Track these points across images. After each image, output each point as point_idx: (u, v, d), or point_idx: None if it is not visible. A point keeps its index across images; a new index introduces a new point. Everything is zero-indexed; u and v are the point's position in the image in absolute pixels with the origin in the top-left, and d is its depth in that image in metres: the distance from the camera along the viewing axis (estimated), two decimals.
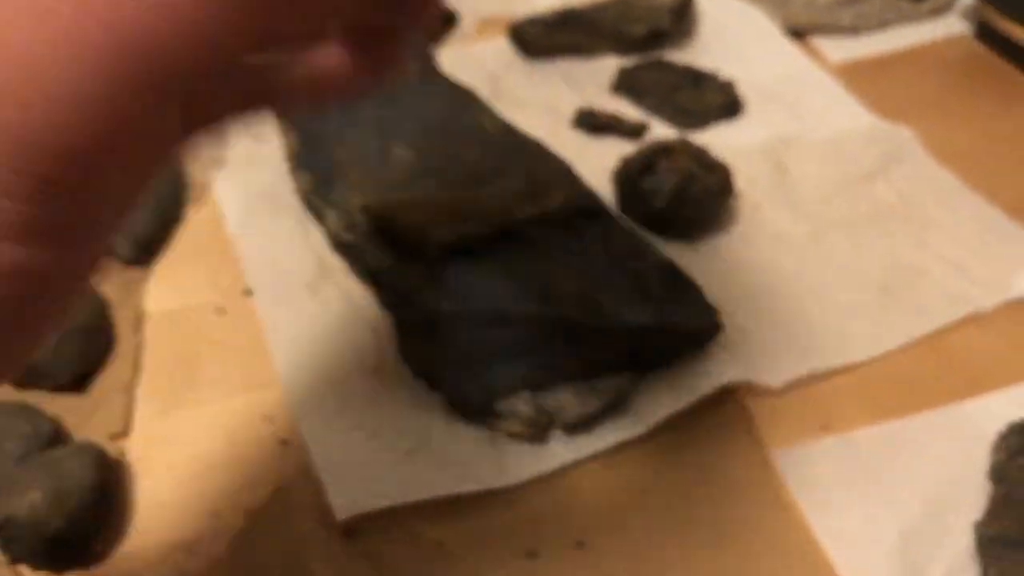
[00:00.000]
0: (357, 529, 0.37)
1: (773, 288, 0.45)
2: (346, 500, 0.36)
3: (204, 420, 0.42)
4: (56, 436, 0.40)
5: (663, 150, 0.47)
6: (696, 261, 0.46)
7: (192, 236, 0.50)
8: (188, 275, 0.48)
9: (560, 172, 0.46)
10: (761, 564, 0.36)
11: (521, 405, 0.39)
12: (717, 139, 0.52)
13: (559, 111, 0.55)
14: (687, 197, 0.46)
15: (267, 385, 0.43)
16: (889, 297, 0.44)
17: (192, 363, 0.44)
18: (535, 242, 0.42)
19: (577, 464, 0.39)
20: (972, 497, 0.36)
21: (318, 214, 0.47)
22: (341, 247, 0.45)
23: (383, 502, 0.36)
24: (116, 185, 0.22)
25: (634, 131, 0.54)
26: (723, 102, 0.55)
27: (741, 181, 0.49)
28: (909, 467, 0.38)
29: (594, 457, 0.39)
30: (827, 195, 0.50)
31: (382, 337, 0.43)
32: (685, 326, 0.40)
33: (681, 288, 0.42)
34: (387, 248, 0.42)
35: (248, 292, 0.47)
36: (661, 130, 0.54)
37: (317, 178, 0.47)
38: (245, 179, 0.53)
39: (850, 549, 0.35)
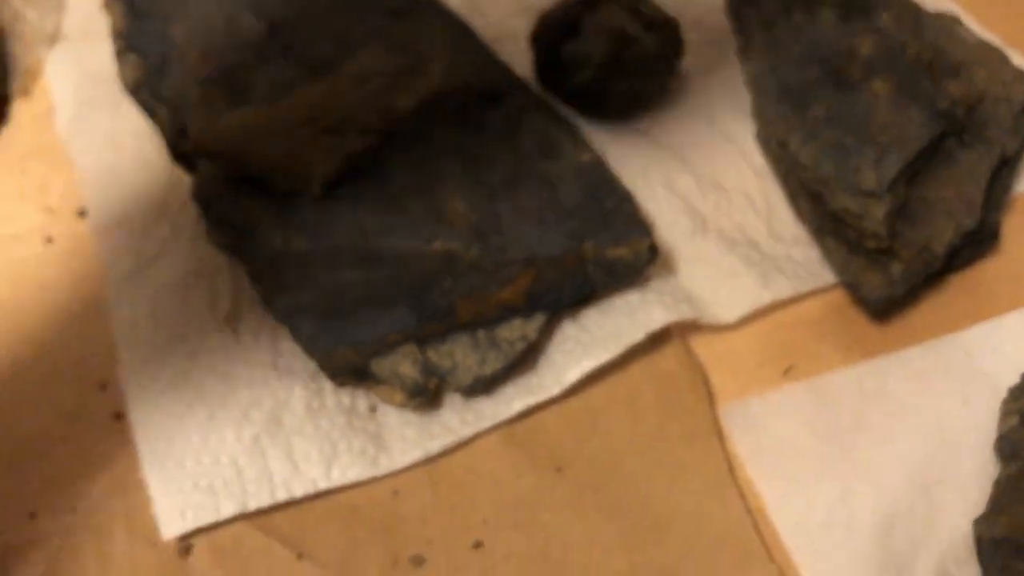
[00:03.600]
0: (193, 546, 0.29)
1: (730, 180, 0.36)
2: (175, 513, 0.29)
3: (26, 391, 0.33)
4: None
5: (590, 3, 0.37)
6: (632, 148, 0.36)
7: (15, 140, 0.40)
8: (9, 193, 0.38)
9: (445, 37, 0.35)
10: (700, 563, 0.28)
11: (404, 365, 0.30)
12: None
13: None
14: (619, 67, 0.36)
15: (103, 338, 0.34)
16: None
17: (14, 315, 0.35)
18: (416, 147, 0.33)
19: (475, 439, 0.31)
20: (975, 463, 0.28)
21: (150, 112, 0.37)
22: (180, 159, 0.36)
23: (220, 514, 0.29)
24: None
25: None
26: None
27: (697, 34, 0.39)
28: (892, 425, 0.30)
29: (495, 429, 0.31)
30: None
31: (240, 275, 0.34)
32: (609, 252, 0.31)
33: (606, 198, 0.32)
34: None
35: (82, 213, 0.38)
36: None
37: (147, 64, 0.37)
38: (82, 60, 0.42)
39: (816, 539, 0.28)
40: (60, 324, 0.35)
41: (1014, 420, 0.27)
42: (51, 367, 0.34)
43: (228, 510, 0.29)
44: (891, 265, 0.30)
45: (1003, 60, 0.35)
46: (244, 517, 0.29)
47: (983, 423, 0.29)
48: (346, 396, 0.31)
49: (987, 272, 0.33)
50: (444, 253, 0.31)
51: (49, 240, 0.37)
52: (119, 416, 0.32)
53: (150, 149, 0.39)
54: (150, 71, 0.36)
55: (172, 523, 0.29)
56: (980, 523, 0.26)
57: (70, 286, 0.36)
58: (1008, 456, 0.27)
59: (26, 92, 0.42)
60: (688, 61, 0.39)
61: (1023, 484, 0.26)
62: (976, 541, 0.26)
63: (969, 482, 0.28)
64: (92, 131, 0.40)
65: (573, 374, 0.31)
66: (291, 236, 0.31)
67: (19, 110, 0.41)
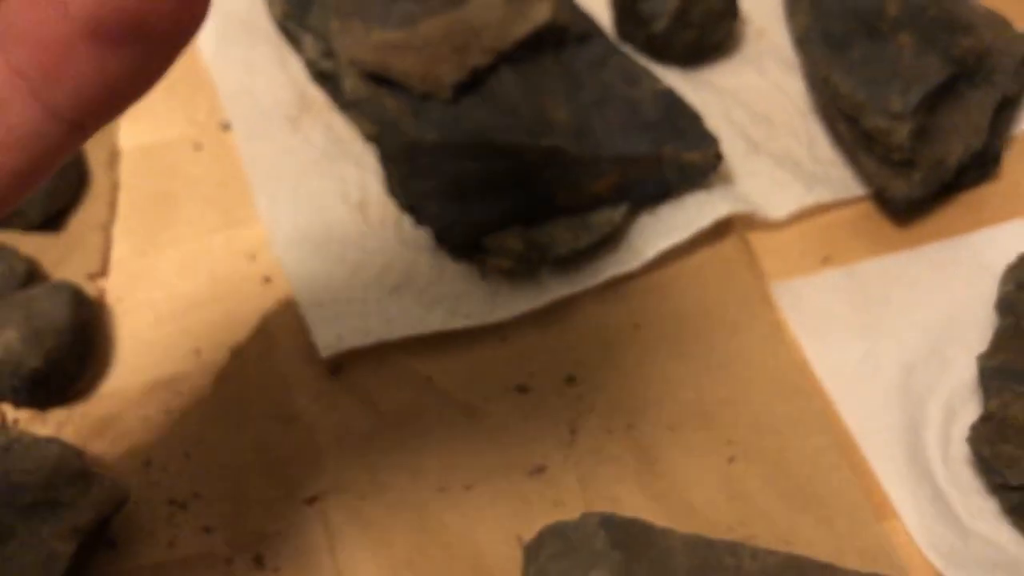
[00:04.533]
0: (343, 366, 0.36)
1: (777, 117, 0.43)
2: (330, 337, 0.35)
3: (184, 259, 0.40)
4: (32, 276, 0.39)
5: None
6: (696, 89, 0.43)
7: None
8: (162, 109, 0.45)
9: None
10: (755, 396, 0.35)
11: (511, 239, 0.37)
12: None
13: None
14: (688, 20, 0.43)
15: (248, 222, 0.41)
16: None
17: (169, 201, 0.42)
18: (525, 68, 0.40)
19: (569, 299, 0.37)
20: (977, 330, 0.35)
21: (294, 41, 0.44)
22: (320, 76, 0.43)
23: (368, 339, 0.35)
24: None
25: None
26: None
27: (747, 2, 0.46)
28: (911, 300, 0.37)
29: (586, 292, 0.37)
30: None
31: (366, 171, 0.41)
32: (683, 156, 0.38)
33: (679, 116, 0.39)
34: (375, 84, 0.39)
35: (226, 126, 0.44)
36: None
37: (292, 0, 0.44)
38: (219, 3, 0.49)
39: (848, 382, 0.35)
40: (210, 209, 0.41)
41: (1011, 285, 0.34)
42: (203, 243, 0.40)
43: (375, 336, 0.35)
44: (912, 174, 0.37)
45: (1006, 25, 0.42)
46: (385, 346, 0.36)
47: (985, 299, 0.36)
48: (463, 264, 0.38)
49: (989, 192, 0.40)
50: (549, 149, 0.37)
51: (198, 146, 0.44)
52: (268, 280, 0.39)
53: (282, 76, 0.46)
54: (294, 6, 0.43)
55: (328, 344, 0.35)
56: (983, 358, 0.33)
57: (218, 181, 0.43)
58: (1005, 311, 0.34)
59: None
60: (743, 22, 0.46)
61: (1018, 331, 0.33)
62: (980, 371, 0.33)
63: (972, 341, 0.35)
64: (232, 61, 0.46)
65: (650, 253, 0.38)
66: (424, 130, 0.38)
67: None
